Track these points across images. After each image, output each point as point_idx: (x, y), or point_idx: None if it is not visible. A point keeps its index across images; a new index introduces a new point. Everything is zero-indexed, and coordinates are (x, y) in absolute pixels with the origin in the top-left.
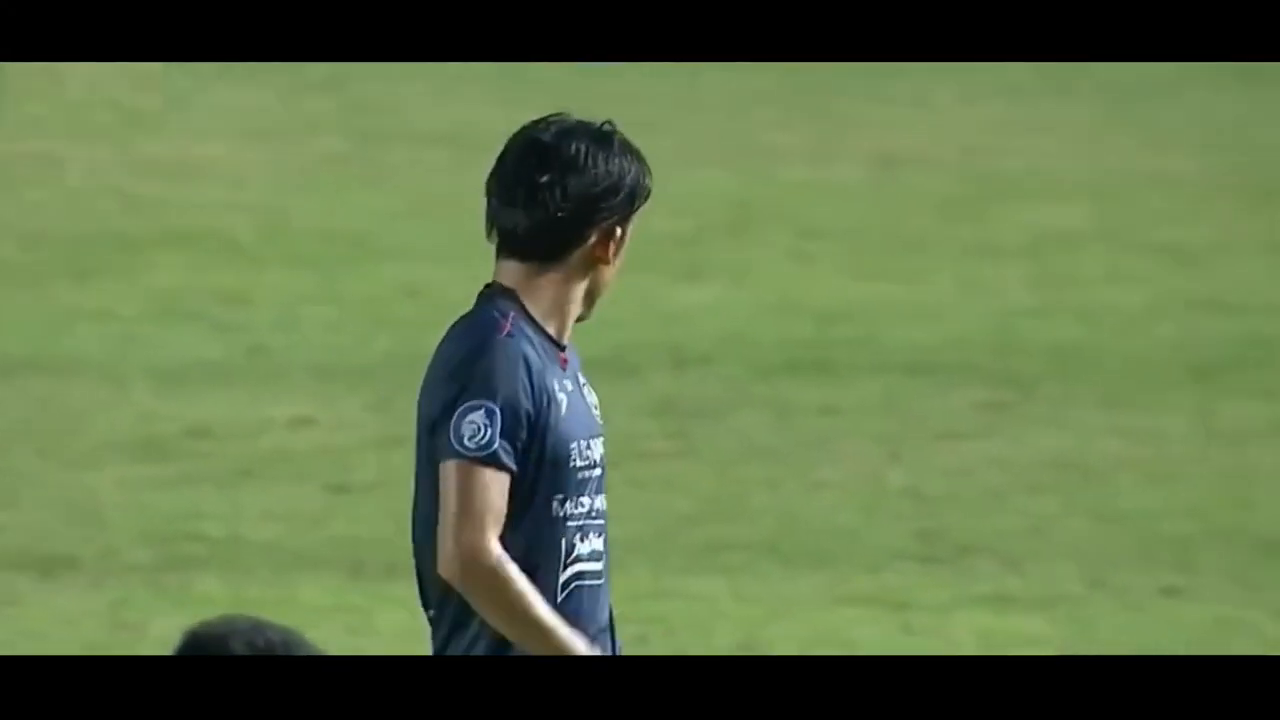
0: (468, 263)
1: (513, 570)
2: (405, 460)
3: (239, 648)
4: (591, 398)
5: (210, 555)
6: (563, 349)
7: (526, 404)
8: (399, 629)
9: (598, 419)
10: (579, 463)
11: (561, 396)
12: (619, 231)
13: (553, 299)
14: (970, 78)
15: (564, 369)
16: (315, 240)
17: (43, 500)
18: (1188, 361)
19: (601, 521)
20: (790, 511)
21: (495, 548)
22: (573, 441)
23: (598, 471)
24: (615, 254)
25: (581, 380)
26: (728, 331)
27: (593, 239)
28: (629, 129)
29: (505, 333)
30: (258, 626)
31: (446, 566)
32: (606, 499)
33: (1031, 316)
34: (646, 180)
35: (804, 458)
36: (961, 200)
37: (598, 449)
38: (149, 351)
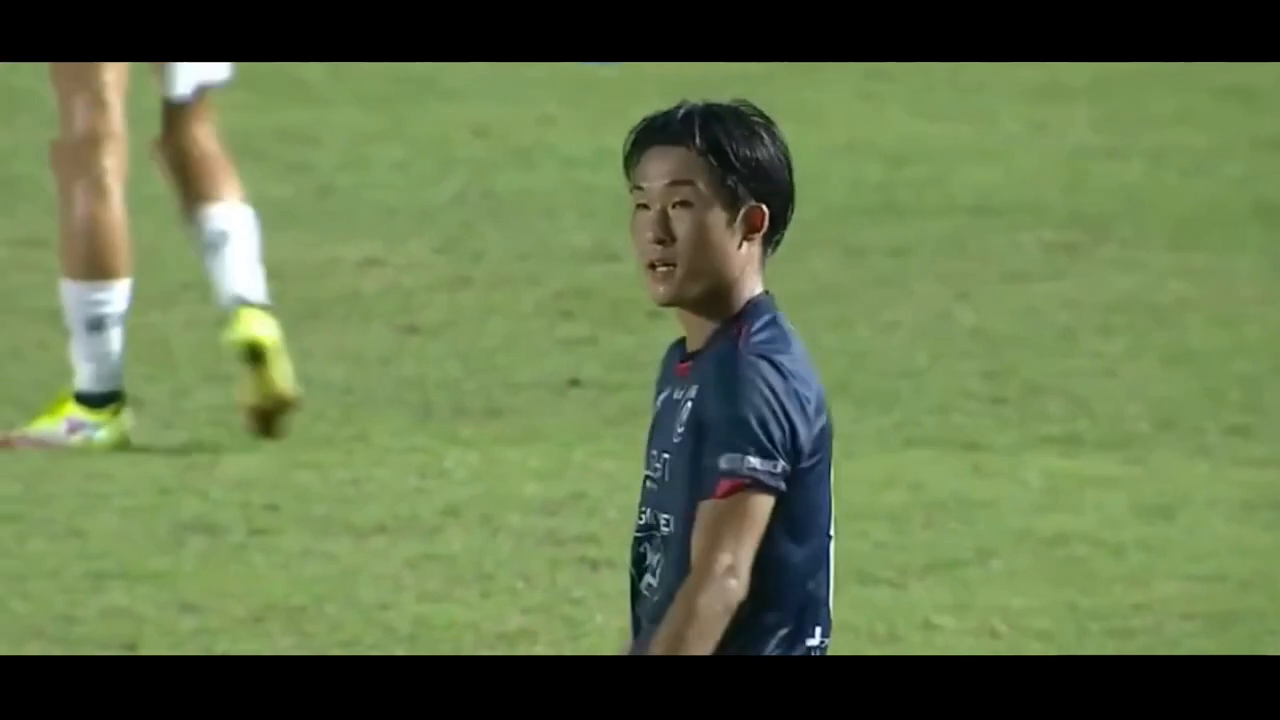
0: (535, 103)
1: None
2: (473, 301)
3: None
4: (683, 412)
5: None
6: (686, 357)
7: None
8: (468, 471)
9: (676, 431)
10: (646, 471)
11: (658, 406)
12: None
13: None
14: None
15: (680, 377)
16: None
17: None
18: (1255, 201)
19: (654, 534)
20: (860, 352)
21: None
22: (649, 450)
23: (649, 485)
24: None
25: (685, 392)
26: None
27: None
28: None
29: None
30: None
31: None
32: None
33: (1100, 158)
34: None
35: (873, 298)
36: None
37: (655, 461)
38: None
